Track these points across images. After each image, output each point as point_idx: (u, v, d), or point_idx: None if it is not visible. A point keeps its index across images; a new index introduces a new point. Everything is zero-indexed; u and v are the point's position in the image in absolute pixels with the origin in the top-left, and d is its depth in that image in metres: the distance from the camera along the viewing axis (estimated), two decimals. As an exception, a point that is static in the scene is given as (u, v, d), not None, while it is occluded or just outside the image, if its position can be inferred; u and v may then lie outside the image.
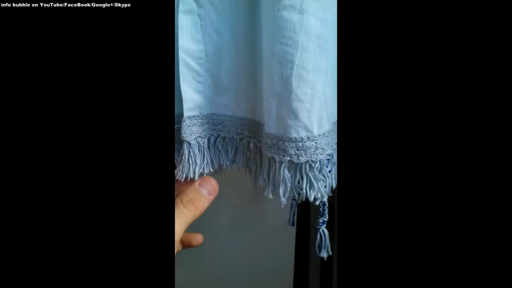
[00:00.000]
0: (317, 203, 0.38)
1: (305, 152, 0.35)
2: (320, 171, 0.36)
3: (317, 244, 0.42)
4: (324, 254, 0.42)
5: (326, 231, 0.42)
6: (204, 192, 0.39)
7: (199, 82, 0.40)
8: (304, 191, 0.37)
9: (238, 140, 0.42)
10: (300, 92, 0.34)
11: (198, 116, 0.40)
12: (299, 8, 0.32)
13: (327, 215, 0.41)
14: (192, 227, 0.38)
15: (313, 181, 0.36)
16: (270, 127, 0.36)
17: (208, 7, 0.38)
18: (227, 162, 0.43)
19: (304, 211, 0.69)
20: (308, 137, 0.35)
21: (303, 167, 0.36)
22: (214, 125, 0.41)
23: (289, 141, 0.35)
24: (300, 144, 0.35)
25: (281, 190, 0.37)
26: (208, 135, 0.42)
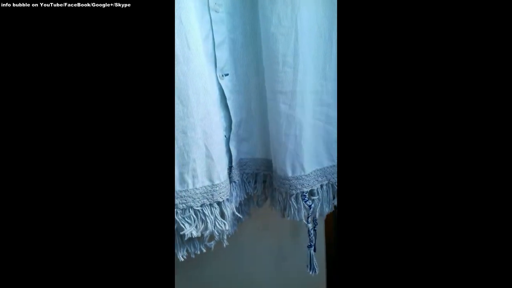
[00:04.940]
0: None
1: (286, 187, 0.45)
2: (297, 203, 0.45)
3: (306, 263, 0.50)
4: (311, 273, 0.50)
5: (313, 253, 0.49)
6: None
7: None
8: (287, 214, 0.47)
9: (256, 174, 0.52)
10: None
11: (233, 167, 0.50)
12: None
13: (313, 239, 0.48)
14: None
15: (292, 209, 0.46)
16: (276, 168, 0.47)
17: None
18: (251, 190, 0.52)
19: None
20: (285, 177, 0.45)
21: (287, 197, 0.46)
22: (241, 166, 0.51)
23: (278, 178, 0.46)
24: (284, 181, 0.45)
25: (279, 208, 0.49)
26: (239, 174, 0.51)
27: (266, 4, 0.39)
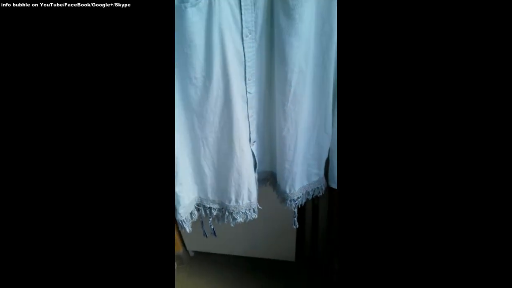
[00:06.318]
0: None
1: (284, 196, 0.79)
2: (290, 202, 0.80)
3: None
4: (294, 226, 0.87)
5: (295, 219, 0.86)
6: None
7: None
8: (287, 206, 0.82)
9: (264, 179, 0.84)
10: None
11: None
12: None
13: (296, 214, 0.85)
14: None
15: (287, 204, 0.80)
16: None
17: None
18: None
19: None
20: (284, 191, 0.78)
21: (284, 200, 0.80)
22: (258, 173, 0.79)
23: (280, 189, 0.79)
24: (284, 194, 0.78)
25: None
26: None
27: (282, 124, 0.65)
